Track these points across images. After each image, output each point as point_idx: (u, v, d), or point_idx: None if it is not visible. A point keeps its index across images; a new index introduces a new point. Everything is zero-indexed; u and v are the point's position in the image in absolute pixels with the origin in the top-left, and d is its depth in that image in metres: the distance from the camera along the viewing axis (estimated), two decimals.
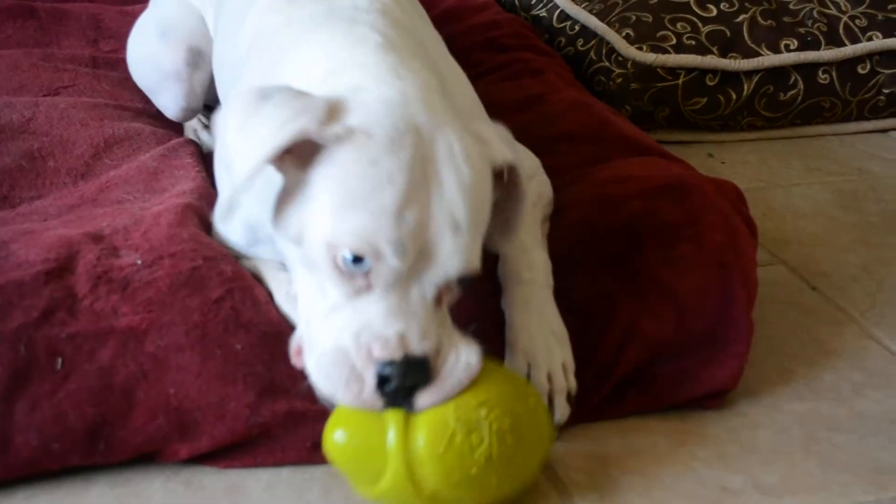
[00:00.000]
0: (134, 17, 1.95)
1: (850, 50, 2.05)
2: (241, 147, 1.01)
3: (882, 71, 2.09)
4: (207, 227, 1.29)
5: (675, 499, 1.16)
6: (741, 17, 2.04)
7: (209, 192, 1.39)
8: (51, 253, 1.16)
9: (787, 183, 1.90)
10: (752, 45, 2.01)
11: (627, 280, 1.28)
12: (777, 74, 2.02)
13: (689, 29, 2.00)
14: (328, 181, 1.01)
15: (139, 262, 1.16)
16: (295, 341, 1.07)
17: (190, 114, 1.65)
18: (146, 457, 1.14)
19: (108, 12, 2.01)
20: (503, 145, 1.10)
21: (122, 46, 1.85)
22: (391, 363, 0.99)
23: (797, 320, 1.49)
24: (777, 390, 1.34)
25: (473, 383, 1.03)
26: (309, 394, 1.03)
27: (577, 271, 1.29)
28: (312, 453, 1.13)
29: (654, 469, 1.20)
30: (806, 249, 1.68)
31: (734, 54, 1.99)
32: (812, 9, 2.10)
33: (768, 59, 2.00)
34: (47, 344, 1.09)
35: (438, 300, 1.04)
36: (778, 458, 1.23)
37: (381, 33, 1.17)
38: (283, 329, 1.16)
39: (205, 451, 1.12)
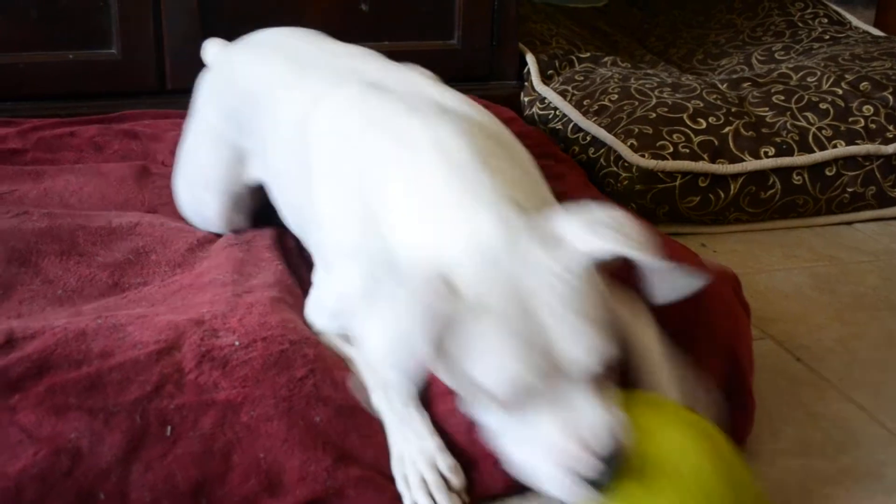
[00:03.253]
0: None
1: (818, 156, 2.04)
2: (388, 359, 0.98)
3: (846, 173, 2.08)
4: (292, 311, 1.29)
5: None
6: (727, 129, 2.04)
7: (290, 283, 1.38)
8: (161, 334, 1.15)
9: (769, 268, 1.88)
10: (737, 152, 2.00)
11: None
12: (758, 177, 2.01)
13: (683, 139, 2.00)
14: (463, 351, 0.98)
15: (237, 343, 1.15)
16: (489, 435, 1.04)
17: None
18: None
19: None
20: (587, 234, 1.02)
21: None
22: (588, 473, 0.96)
23: (785, 387, 1.46)
24: (771, 448, 1.31)
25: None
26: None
27: None
28: None
29: None
30: (789, 326, 1.65)
31: (722, 160, 1.99)
32: (786, 122, 2.10)
33: (750, 164, 2.00)
34: (158, 414, 1.08)
35: (597, 383, 0.99)
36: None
37: (455, 155, 1.12)
38: (354, 404, 1.15)
39: None
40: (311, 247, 1.42)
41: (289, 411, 1.11)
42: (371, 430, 1.15)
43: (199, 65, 2.14)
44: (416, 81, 1.34)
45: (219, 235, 1.58)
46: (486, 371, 0.97)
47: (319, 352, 1.19)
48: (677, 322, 1.24)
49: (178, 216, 1.66)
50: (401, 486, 1.12)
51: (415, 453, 1.12)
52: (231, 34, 2.14)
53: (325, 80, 1.37)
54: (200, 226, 1.61)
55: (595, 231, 1.02)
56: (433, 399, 1.19)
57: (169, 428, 1.08)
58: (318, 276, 1.35)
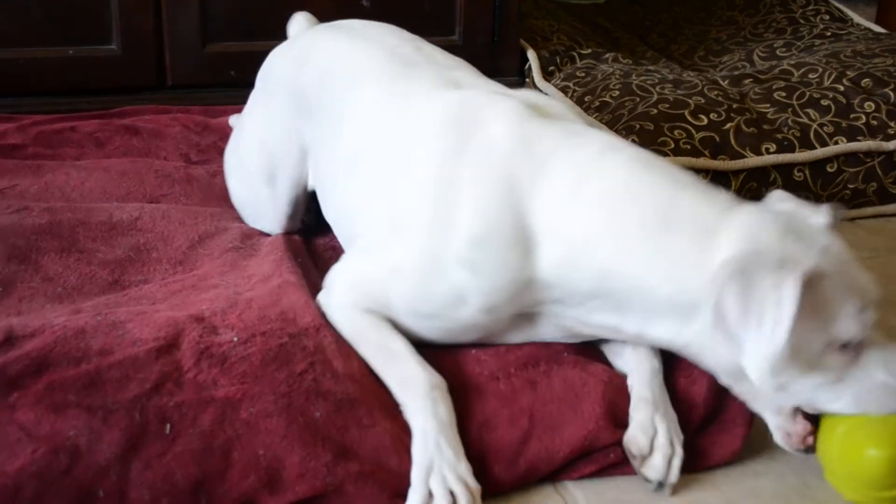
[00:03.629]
0: (217, 131, 1.97)
1: (819, 152, 2.04)
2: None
3: (847, 169, 2.07)
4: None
5: None
6: (728, 126, 2.03)
7: (290, 265, 1.38)
8: (161, 332, 1.15)
9: None
10: (738, 149, 2.00)
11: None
12: (759, 173, 2.00)
13: (684, 135, 1.99)
14: (819, 318, 1.09)
15: (235, 339, 1.15)
16: (793, 423, 1.19)
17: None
18: None
19: (194, 129, 1.99)
20: (809, 213, 1.18)
21: (208, 159, 1.85)
22: None
23: None
24: (772, 444, 1.28)
25: None
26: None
27: None
28: None
29: None
30: None
31: (723, 156, 1.98)
32: (787, 118, 2.09)
33: (752, 161, 1.99)
34: (158, 411, 1.08)
35: None
36: (778, 502, 1.19)
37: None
38: (355, 398, 1.14)
39: None
40: (346, 231, 1.40)
41: (288, 407, 1.10)
42: (371, 421, 1.14)
43: (199, 60, 2.15)
44: (559, 107, 1.34)
45: (226, 230, 1.56)
46: (846, 321, 1.09)
47: (319, 342, 1.18)
48: None
49: (180, 205, 1.65)
50: (417, 491, 1.10)
51: (446, 468, 1.12)
52: (231, 30, 2.14)
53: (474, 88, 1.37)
54: (252, 223, 1.58)
55: (809, 210, 1.18)
56: None
57: (168, 425, 1.07)
58: (356, 256, 1.32)
